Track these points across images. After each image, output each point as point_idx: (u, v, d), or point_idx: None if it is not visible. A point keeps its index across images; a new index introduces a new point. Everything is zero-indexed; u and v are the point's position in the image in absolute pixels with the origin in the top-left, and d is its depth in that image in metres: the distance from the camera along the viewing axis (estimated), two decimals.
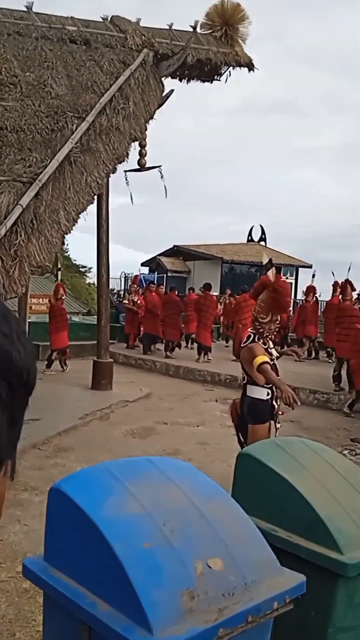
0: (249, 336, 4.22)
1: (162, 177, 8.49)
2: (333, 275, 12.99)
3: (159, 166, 8.51)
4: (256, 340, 4.18)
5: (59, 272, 14.96)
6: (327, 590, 1.83)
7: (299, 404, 4.01)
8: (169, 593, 1.27)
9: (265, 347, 4.16)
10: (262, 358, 4.02)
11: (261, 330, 4.17)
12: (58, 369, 11.20)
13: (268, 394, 4.16)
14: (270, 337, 4.22)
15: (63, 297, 11.64)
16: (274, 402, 4.20)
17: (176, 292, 13.81)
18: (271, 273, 4.26)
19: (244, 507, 1.75)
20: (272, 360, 4.15)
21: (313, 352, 13.94)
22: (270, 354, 4.17)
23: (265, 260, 4.48)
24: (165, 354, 13.03)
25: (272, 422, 4.21)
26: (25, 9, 7.94)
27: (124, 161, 7.15)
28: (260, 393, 4.18)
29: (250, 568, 1.45)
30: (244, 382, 4.30)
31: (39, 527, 4.05)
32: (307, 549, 1.86)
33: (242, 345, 4.27)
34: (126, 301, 15.60)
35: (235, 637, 1.30)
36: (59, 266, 13.03)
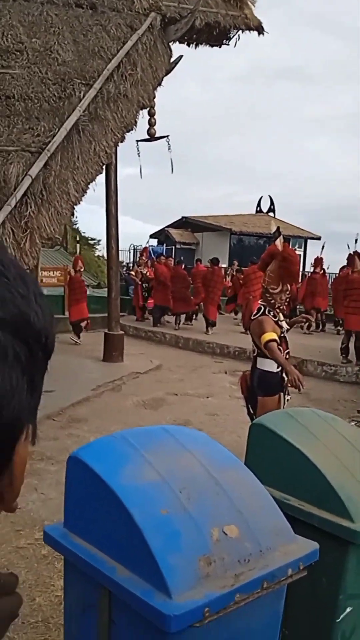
0: (259, 308, 4.18)
1: (169, 148, 8.36)
2: (348, 247, 12.80)
3: (167, 136, 8.37)
4: (266, 312, 4.13)
5: (77, 245, 15.04)
6: (338, 557, 1.86)
7: (304, 387, 3.98)
8: (187, 559, 1.29)
9: (276, 319, 4.12)
10: (270, 335, 3.99)
11: (272, 301, 4.12)
12: (74, 340, 11.35)
13: (278, 367, 4.14)
14: (281, 307, 4.17)
15: (82, 270, 11.82)
16: (283, 375, 4.18)
17: (183, 266, 13.74)
18: (279, 242, 4.18)
19: (257, 476, 1.77)
20: (282, 333, 4.13)
21: (320, 325, 13.95)
22: (281, 327, 4.14)
23: (273, 229, 4.42)
24: (175, 326, 13.05)
25: (282, 394, 4.20)
26: None
27: (132, 129, 7.05)
28: (271, 365, 4.16)
29: (264, 535, 1.47)
30: (254, 354, 4.28)
31: (56, 495, 4.15)
32: (319, 517, 1.88)
33: (252, 318, 4.23)
34: (133, 272, 15.58)
35: (250, 602, 1.33)
36: (77, 239, 13.19)
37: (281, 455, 2.04)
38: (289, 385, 4.06)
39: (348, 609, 1.97)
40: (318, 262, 14.17)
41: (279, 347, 4.07)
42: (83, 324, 11.48)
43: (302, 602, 1.99)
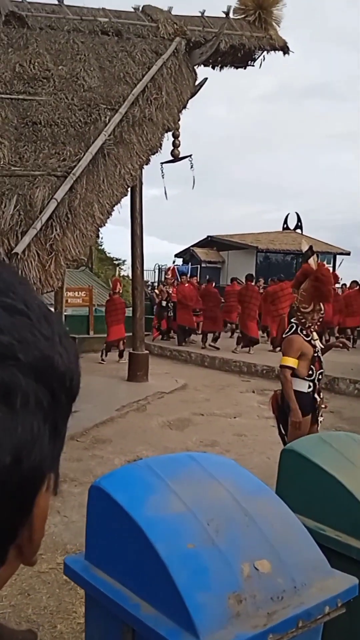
0: (292, 327, 4.13)
1: (192, 167, 8.41)
2: None
3: (190, 155, 8.42)
4: (298, 331, 4.07)
5: (118, 268, 15.51)
6: None
7: (300, 429, 3.92)
8: (215, 596, 1.22)
9: (309, 338, 4.06)
10: (288, 360, 3.99)
11: (303, 320, 4.06)
12: (112, 358, 11.59)
13: (310, 387, 4.06)
14: (313, 327, 4.11)
15: (120, 292, 12.21)
16: (315, 395, 4.10)
17: (214, 284, 13.72)
18: (312, 261, 4.13)
19: (289, 504, 1.68)
20: (315, 352, 4.07)
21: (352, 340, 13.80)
22: (314, 346, 4.08)
23: (305, 248, 4.34)
24: (202, 344, 12.96)
25: (314, 414, 4.11)
26: (56, 2, 7.96)
27: (157, 152, 7.10)
28: (302, 385, 4.07)
29: (299, 570, 1.39)
30: None
31: (78, 518, 4.09)
32: (357, 548, 1.78)
33: (283, 336, 4.20)
34: (157, 291, 15.62)
35: None
36: (118, 265, 13.86)
37: (315, 483, 1.95)
38: (322, 406, 4.03)
39: None
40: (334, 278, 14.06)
41: (312, 366, 4.03)
42: (120, 345, 11.65)
43: (341, 639, 1.87)
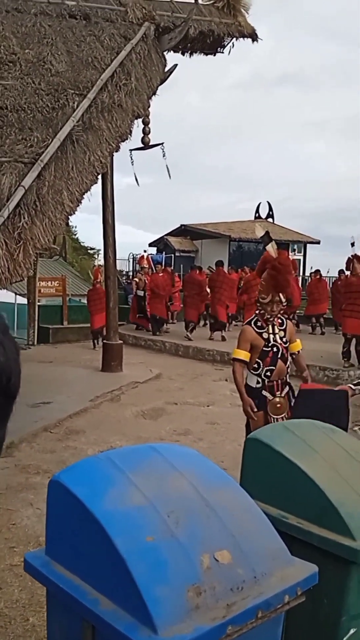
0: (251, 317, 4.01)
1: (164, 155, 8.33)
2: (352, 246, 12.85)
3: (162, 143, 8.33)
4: (252, 323, 3.90)
5: (93, 257, 15.50)
6: (340, 577, 1.78)
7: (255, 419, 3.79)
8: (174, 589, 1.21)
9: (262, 330, 3.83)
10: (239, 353, 3.84)
11: (262, 312, 3.85)
12: (88, 347, 11.95)
13: (258, 382, 3.85)
14: (272, 319, 3.84)
15: (101, 281, 12.22)
16: (265, 392, 3.85)
17: (197, 271, 13.69)
18: (271, 248, 3.92)
19: (253, 493, 1.69)
20: (267, 346, 3.80)
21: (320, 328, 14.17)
22: (266, 339, 3.82)
23: (259, 234, 4.11)
24: (186, 333, 12.93)
25: (266, 413, 3.82)
26: None
27: (127, 139, 7.00)
28: (250, 379, 3.88)
29: (259, 560, 1.39)
30: None
31: None
32: (318, 535, 1.80)
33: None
34: (136, 280, 15.50)
35: (244, 633, 1.24)
36: (93, 254, 14.14)
37: (278, 471, 1.96)
38: (277, 405, 3.83)
39: (352, 631, 1.87)
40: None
41: (260, 360, 3.80)
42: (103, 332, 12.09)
43: (303, 625, 1.90)
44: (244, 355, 3.83)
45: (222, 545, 1.35)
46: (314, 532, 1.80)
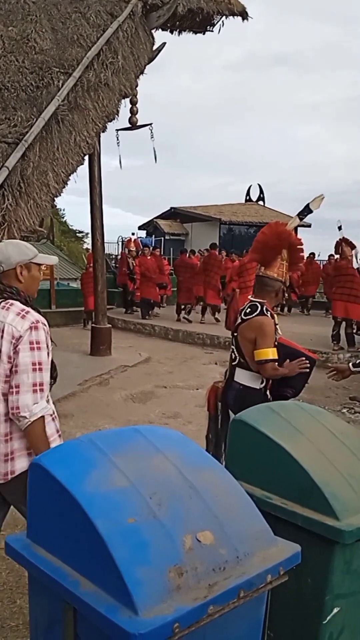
0: (254, 306, 3.34)
1: (152, 136, 8.21)
2: (339, 229, 12.89)
3: (150, 124, 8.21)
4: (267, 314, 3.28)
5: (86, 240, 15.56)
6: (324, 557, 1.78)
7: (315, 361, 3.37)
8: (155, 570, 1.20)
9: (277, 324, 3.37)
10: (273, 352, 3.18)
11: (275, 298, 3.41)
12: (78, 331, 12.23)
13: (262, 382, 3.33)
14: (276, 307, 3.48)
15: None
16: (268, 393, 3.39)
17: (188, 255, 13.65)
18: (294, 223, 3.59)
19: (238, 474, 1.68)
20: (277, 339, 3.35)
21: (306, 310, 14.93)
22: (277, 333, 3.36)
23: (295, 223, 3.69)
24: (179, 316, 12.92)
25: None
26: None
27: (114, 119, 6.87)
28: (254, 380, 3.31)
29: (242, 540, 1.38)
30: (234, 362, 3.42)
31: None
32: (302, 516, 1.80)
33: (244, 317, 3.34)
34: (136, 262, 15.35)
35: (227, 613, 1.24)
36: (81, 237, 14.71)
37: (262, 452, 1.95)
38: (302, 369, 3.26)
39: (335, 610, 1.89)
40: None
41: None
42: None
43: (287, 604, 1.91)
44: (274, 353, 3.22)
45: (204, 526, 1.34)
46: (298, 512, 1.81)
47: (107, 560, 1.19)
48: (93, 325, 9.67)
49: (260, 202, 27.60)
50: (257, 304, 3.34)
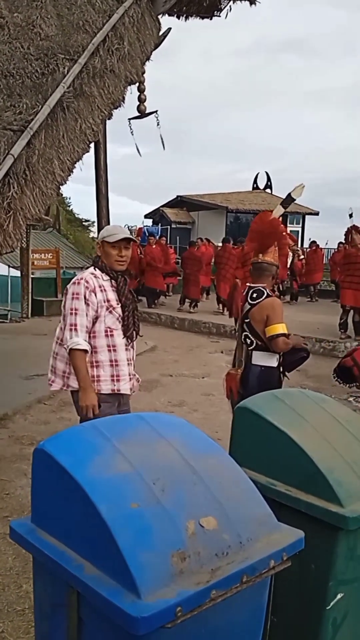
0: (260, 291, 3.57)
1: (158, 124, 8.14)
2: (350, 217, 12.94)
3: (156, 111, 8.15)
4: (270, 294, 3.55)
5: (92, 228, 15.27)
6: (327, 543, 1.79)
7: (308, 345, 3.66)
8: (158, 555, 1.21)
9: None
10: (283, 327, 3.43)
11: (275, 283, 3.73)
12: None
13: (277, 360, 3.58)
14: (281, 295, 3.95)
15: None
16: (281, 370, 3.66)
17: (197, 248, 13.54)
18: (278, 212, 3.88)
19: (242, 461, 1.68)
20: None
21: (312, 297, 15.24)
22: None
23: (279, 212, 3.96)
24: (181, 306, 12.91)
25: None
26: None
27: (120, 106, 6.81)
28: (271, 360, 3.54)
29: (245, 526, 1.39)
30: (250, 347, 3.60)
31: None
32: (306, 502, 1.80)
33: (253, 302, 3.57)
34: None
35: (229, 597, 1.25)
36: (87, 226, 13.80)
37: (267, 439, 1.95)
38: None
39: (339, 596, 1.90)
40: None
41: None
42: None
43: (291, 590, 1.92)
44: (284, 328, 3.49)
45: (207, 511, 1.35)
46: (302, 499, 1.81)
47: (111, 544, 1.20)
48: None
49: (268, 190, 27.41)
50: (260, 288, 3.60)
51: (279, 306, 3.52)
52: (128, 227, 25.62)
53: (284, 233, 3.75)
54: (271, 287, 3.71)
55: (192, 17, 9.09)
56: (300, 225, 25.18)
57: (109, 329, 3.05)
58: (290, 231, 16.79)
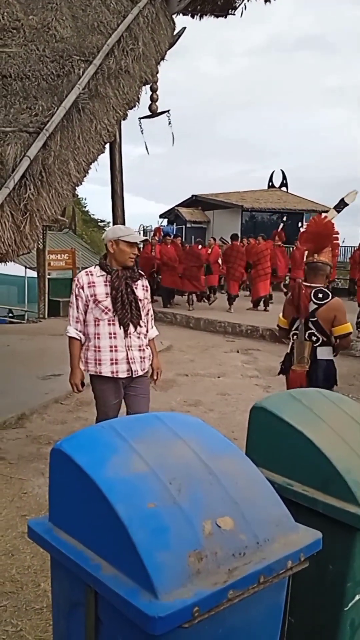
0: (323, 291, 3.89)
1: (169, 123, 8.15)
2: None
3: (168, 111, 8.16)
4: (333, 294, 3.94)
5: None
6: (345, 544, 1.77)
7: None
8: (175, 555, 1.21)
9: None
10: (351, 326, 3.89)
11: (324, 283, 4.01)
12: None
13: (332, 352, 3.98)
14: None
15: None
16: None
17: (200, 246, 13.54)
18: (331, 215, 4.26)
19: (258, 461, 1.68)
20: None
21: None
22: None
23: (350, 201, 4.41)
24: (189, 307, 12.94)
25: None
26: None
27: (135, 106, 6.84)
28: (331, 354, 3.94)
29: (262, 526, 1.38)
30: (316, 344, 3.89)
31: None
32: (323, 502, 1.79)
33: (320, 302, 3.86)
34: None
35: (246, 598, 1.24)
36: (103, 227, 13.92)
37: (283, 439, 1.94)
38: None
39: (357, 597, 1.88)
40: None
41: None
42: None
43: (309, 591, 1.91)
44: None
45: (224, 511, 1.35)
46: (319, 499, 1.80)
47: (128, 544, 1.20)
48: None
49: (283, 189, 27.25)
50: (322, 288, 3.90)
51: (343, 306, 3.88)
52: (143, 227, 25.67)
53: (336, 235, 4.06)
54: (324, 286, 4.00)
55: (206, 16, 9.07)
56: None
57: (96, 320, 3.54)
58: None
